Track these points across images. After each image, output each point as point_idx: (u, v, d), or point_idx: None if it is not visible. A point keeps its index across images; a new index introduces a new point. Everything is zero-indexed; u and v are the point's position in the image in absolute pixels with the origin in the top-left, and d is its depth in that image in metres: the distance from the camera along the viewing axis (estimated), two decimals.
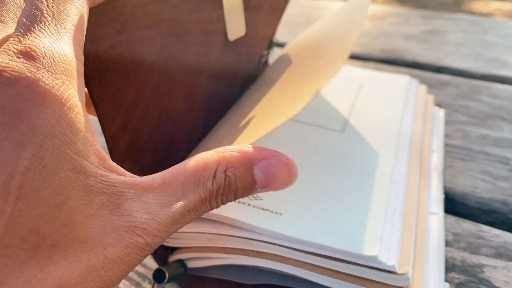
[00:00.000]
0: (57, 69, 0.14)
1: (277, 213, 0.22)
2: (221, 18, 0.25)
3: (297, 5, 0.74)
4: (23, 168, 0.13)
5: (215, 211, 0.22)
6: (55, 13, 0.15)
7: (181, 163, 0.17)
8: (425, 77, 0.47)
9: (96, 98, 0.19)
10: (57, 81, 0.14)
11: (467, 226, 0.28)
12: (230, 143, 0.22)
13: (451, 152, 0.36)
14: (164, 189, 0.16)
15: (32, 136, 0.14)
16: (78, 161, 0.15)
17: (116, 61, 0.19)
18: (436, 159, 0.32)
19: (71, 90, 0.15)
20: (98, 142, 0.16)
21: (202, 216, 0.21)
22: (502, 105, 0.42)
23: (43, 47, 0.14)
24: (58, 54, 0.15)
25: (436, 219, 0.27)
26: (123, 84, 0.20)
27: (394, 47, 0.56)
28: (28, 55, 0.14)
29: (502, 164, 0.34)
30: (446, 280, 0.24)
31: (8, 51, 0.14)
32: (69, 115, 0.14)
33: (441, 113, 0.38)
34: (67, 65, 0.15)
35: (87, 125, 0.15)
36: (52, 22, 0.15)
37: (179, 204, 0.16)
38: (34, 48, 0.14)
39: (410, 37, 0.58)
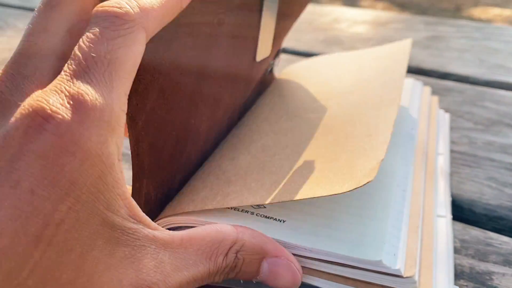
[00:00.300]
0: (103, 125, 0.15)
1: (280, 221, 0.22)
2: (221, 21, 0.25)
3: None
4: (58, 219, 0.14)
5: (219, 220, 0.22)
6: (111, 60, 0.15)
7: (201, 228, 0.18)
8: (430, 83, 0.47)
9: (131, 117, 0.19)
10: (101, 139, 0.15)
11: (475, 233, 0.28)
12: (265, 189, 0.23)
13: (457, 158, 0.36)
14: (179, 251, 0.17)
15: (71, 190, 0.14)
16: (108, 216, 0.15)
17: (152, 80, 0.19)
18: (442, 161, 0.32)
19: (112, 149, 0.15)
20: (129, 193, 0.16)
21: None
22: (506, 112, 0.42)
23: (94, 97, 0.15)
24: (107, 107, 0.15)
25: (444, 222, 0.26)
26: (156, 103, 0.20)
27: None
28: (78, 102, 0.14)
29: (508, 171, 0.34)
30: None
31: (59, 91, 0.14)
32: (107, 175, 0.15)
33: (446, 115, 0.38)
34: (112, 120, 0.15)
35: (122, 181, 0.16)
36: (106, 69, 0.15)
37: (189, 272, 0.17)
38: (85, 96, 0.15)
39: (414, 43, 0.58)
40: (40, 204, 0.14)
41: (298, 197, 0.21)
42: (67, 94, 0.14)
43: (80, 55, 0.15)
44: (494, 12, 4.39)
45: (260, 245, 0.18)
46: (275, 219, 0.22)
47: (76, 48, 0.15)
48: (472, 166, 0.35)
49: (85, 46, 0.15)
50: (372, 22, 0.67)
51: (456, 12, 4.36)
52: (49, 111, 0.14)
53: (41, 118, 0.14)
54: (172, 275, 0.16)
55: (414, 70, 0.51)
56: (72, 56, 0.15)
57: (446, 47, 0.57)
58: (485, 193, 0.32)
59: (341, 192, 0.20)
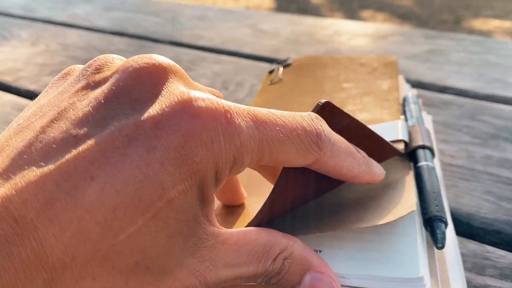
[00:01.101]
0: (240, 153, 0.17)
1: (318, 251, 0.22)
2: None
3: (302, 23, 0.75)
4: (171, 197, 0.15)
5: None
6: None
7: (256, 229, 0.18)
8: (429, 97, 0.48)
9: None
10: (229, 157, 0.17)
11: (472, 246, 0.29)
12: None
13: (455, 172, 0.36)
14: (234, 249, 0.17)
15: (190, 177, 0.16)
16: (198, 210, 0.17)
17: None
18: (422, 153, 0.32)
19: (226, 170, 0.17)
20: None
21: None
22: (505, 126, 0.42)
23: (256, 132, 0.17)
24: (258, 150, 0.17)
25: (447, 230, 0.27)
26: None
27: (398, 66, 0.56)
28: (249, 117, 0.17)
29: (505, 185, 0.34)
30: None
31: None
32: (214, 181, 0.17)
33: (429, 117, 0.38)
34: (246, 159, 0.17)
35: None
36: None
37: (238, 270, 0.17)
38: (257, 115, 0.18)
39: (414, 57, 0.59)
40: (164, 177, 0.15)
41: (357, 226, 0.21)
42: (218, 104, 0.17)
43: (269, 115, 0.18)
44: (494, 24, 4.42)
45: (307, 257, 0.19)
46: (314, 250, 0.22)
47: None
48: (470, 180, 0.35)
49: (278, 115, 0.18)
50: (372, 35, 0.68)
51: (456, 24, 4.39)
52: (210, 106, 0.16)
53: (202, 108, 0.16)
54: (223, 269, 0.17)
55: (414, 84, 0.51)
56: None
57: (446, 61, 0.58)
58: (482, 207, 0.32)
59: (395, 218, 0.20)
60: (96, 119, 0.16)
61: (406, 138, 0.28)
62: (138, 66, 0.17)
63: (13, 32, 0.74)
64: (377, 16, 4.76)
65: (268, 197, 0.20)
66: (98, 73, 0.18)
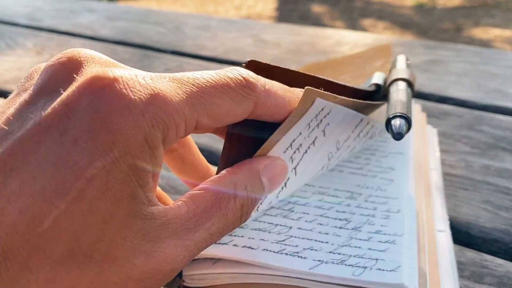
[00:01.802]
0: (163, 117, 0.16)
1: (302, 257, 0.23)
2: None
3: (303, 33, 0.76)
4: (90, 175, 0.15)
5: (243, 256, 0.22)
6: (209, 100, 0.18)
7: (201, 187, 0.18)
8: (429, 107, 0.48)
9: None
10: (154, 122, 0.16)
11: (471, 255, 0.29)
12: None
13: (454, 181, 0.37)
14: (189, 216, 0.17)
15: (110, 150, 0.15)
16: (135, 188, 0.16)
17: None
18: (435, 176, 0.33)
19: (159, 135, 0.16)
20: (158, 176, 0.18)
21: (227, 259, 0.22)
22: (503, 136, 0.43)
23: (171, 96, 0.17)
24: (179, 111, 0.17)
25: (444, 236, 0.27)
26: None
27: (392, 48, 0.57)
28: (155, 91, 0.16)
29: (504, 194, 0.35)
30: None
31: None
32: (148, 153, 0.16)
33: (434, 130, 0.39)
34: (176, 122, 0.17)
35: (159, 163, 0.17)
36: (202, 97, 0.18)
37: (203, 230, 0.17)
38: (163, 92, 0.16)
39: (414, 67, 0.60)
40: (78, 155, 0.15)
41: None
42: (149, 80, 0.16)
43: (192, 78, 0.18)
44: (494, 32, 4.44)
45: (254, 170, 0.20)
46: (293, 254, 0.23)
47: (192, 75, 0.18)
48: (468, 190, 0.36)
49: (203, 76, 0.18)
50: (373, 45, 0.69)
51: (456, 33, 4.41)
52: (120, 75, 0.16)
53: (110, 78, 0.16)
54: (187, 237, 0.17)
55: (414, 94, 0.52)
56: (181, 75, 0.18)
57: (445, 71, 0.58)
58: (481, 216, 0.33)
59: None
60: (19, 118, 0.16)
61: (379, 81, 0.31)
62: (54, 62, 0.17)
63: (19, 41, 0.75)
64: (378, 24, 4.79)
65: (220, 159, 0.21)
66: (28, 80, 0.19)
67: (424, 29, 4.57)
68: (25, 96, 0.17)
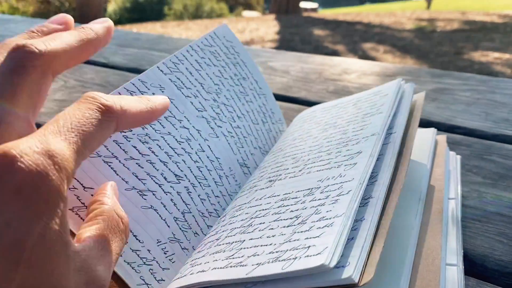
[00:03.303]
0: (64, 173, 0.18)
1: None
2: None
3: (311, 61, 0.77)
4: (33, 241, 0.17)
5: (195, 280, 0.25)
6: (85, 133, 0.20)
7: (94, 224, 0.23)
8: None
9: None
10: (63, 184, 0.18)
11: None
12: None
13: (467, 213, 0.37)
14: (99, 247, 0.21)
15: (44, 211, 0.17)
16: (64, 237, 0.18)
17: None
18: (453, 206, 0.33)
19: (66, 192, 0.19)
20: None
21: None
22: None
23: (63, 152, 0.19)
24: (70, 163, 0.19)
25: (455, 270, 0.27)
26: None
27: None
28: (49, 152, 0.18)
29: None
30: None
31: (32, 141, 0.18)
32: (65, 206, 0.19)
33: (458, 157, 0.40)
34: (70, 172, 0.19)
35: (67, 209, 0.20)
36: (80, 138, 0.20)
37: (112, 252, 0.22)
38: (55, 150, 0.18)
39: None
40: (15, 233, 0.17)
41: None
42: (39, 144, 0.18)
43: (62, 122, 0.20)
44: (494, 55, 4.49)
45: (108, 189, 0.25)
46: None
47: (59, 117, 0.20)
48: (482, 221, 0.36)
49: (69, 116, 0.20)
50: (380, 73, 0.70)
51: (456, 55, 4.47)
52: (17, 152, 0.17)
53: (12, 158, 0.17)
54: (105, 260, 0.21)
55: (423, 123, 0.53)
56: (52, 121, 0.20)
57: (453, 100, 0.59)
58: (496, 248, 0.33)
59: None
60: None
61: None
62: None
63: None
64: (379, 48, 4.85)
65: None
66: None
67: (425, 52, 4.63)
68: None
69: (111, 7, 10.73)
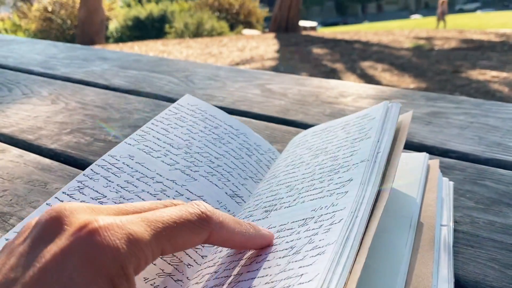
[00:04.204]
0: (136, 255, 0.21)
1: None
2: None
3: (308, 84, 0.79)
4: None
5: None
6: (175, 232, 0.23)
7: None
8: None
9: None
10: (131, 261, 0.21)
11: None
12: None
13: (459, 238, 0.38)
14: None
15: (96, 280, 0.19)
16: None
17: None
18: (445, 233, 0.34)
19: (132, 272, 0.21)
20: None
21: None
22: (506, 191, 0.44)
23: (143, 236, 0.22)
24: (148, 249, 0.22)
25: None
26: None
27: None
28: (128, 233, 0.21)
29: (510, 252, 0.36)
30: None
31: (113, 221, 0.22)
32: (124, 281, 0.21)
33: (450, 184, 0.40)
34: (143, 258, 0.22)
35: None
36: (169, 234, 0.23)
37: None
38: (136, 233, 0.21)
39: (416, 119, 0.62)
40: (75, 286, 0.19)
41: None
42: (120, 223, 0.21)
43: (157, 213, 0.23)
44: (491, 74, 4.54)
45: None
46: None
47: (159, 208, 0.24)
48: (474, 247, 0.37)
49: (166, 210, 0.23)
50: (376, 96, 0.72)
51: (454, 74, 4.51)
52: (101, 223, 0.21)
53: (94, 226, 0.21)
54: None
55: (417, 147, 0.54)
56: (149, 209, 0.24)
57: (447, 123, 0.61)
58: (488, 274, 0.34)
59: None
60: (21, 265, 0.20)
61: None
62: (46, 217, 0.22)
63: (34, 89, 0.78)
64: (377, 66, 4.90)
65: None
66: (21, 235, 0.23)
67: (422, 70, 4.67)
68: (23, 247, 0.21)
69: (113, 24, 10.85)
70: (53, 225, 0.21)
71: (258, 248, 0.27)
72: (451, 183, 0.41)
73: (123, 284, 0.20)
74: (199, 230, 0.23)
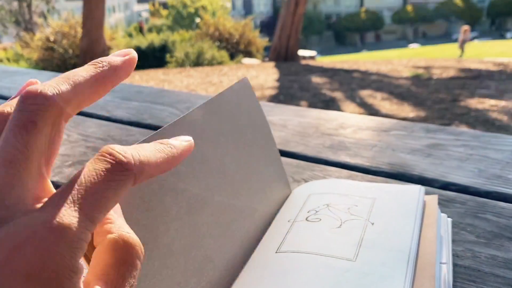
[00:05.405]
0: (76, 245, 0.19)
1: None
2: None
3: (308, 115, 0.80)
4: None
5: None
6: (100, 198, 0.20)
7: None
8: (433, 194, 0.50)
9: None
10: (72, 256, 0.19)
11: None
12: None
13: (461, 273, 0.38)
14: None
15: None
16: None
17: None
18: (445, 271, 0.34)
19: (79, 264, 0.19)
20: None
21: None
22: (507, 225, 0.44)
23: (75, 225, 0.19)
24: (82, 234, 0.19)
25: None
26: None
27: (401, 161, 0.60)
28: (59, 225, 0.19)
29: None
30: None
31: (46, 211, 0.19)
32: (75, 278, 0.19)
33: (449, 220, 0.40)
34: (83, 243, 0.19)
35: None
36: (94, 205, 0.20)
37: None
38: (66, 221, 0.19)
39: (416, 151, 0.62)
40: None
41: None
42: (51, 218, 0.18)
43: (77, 188, 0.20)
44: (490, 102, 4.57)
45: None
46: None
47: (76, 179, 0.20)
48: (476, 282, 0.36)
49: (84, 180, 0.20)
50: (375, 128, 0.72)
51: (453, 103, 4.55)
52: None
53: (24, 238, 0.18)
54: None
55: (417, 180, 0.54)
56: (68, 185, 0.20)
57: (446, 156, 0.61)
58: None
59: None
60: None
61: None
62: None
63: None
64: (376, 95, 4.95)
65: None
66: None
67: (421, 99, 4.72)
68: None
69: None
70: None
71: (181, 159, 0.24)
72: (450, 219, 0.41)
73: (72, 277, 0.18)
74: (124, 182, 0.20)
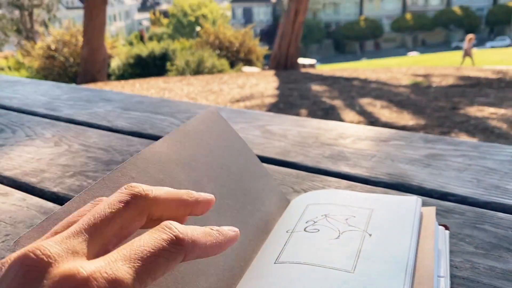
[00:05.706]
0: None
1: None
2: None
3: (307, 125, 0.80)
4: None
5: None
6: (151, 265, 0.22)
7: None
8: (431, 204, 0.50)
9: None
10: None
11: None
12: None
13: (460, 284, 0.38)
14: None
15: None
16: None
17: None
18: (443, 285, 0.34)
19: None
20: None
21: None
22: (506, 235, 0.44)
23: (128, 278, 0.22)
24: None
25: None
26: None
27: (400, 171, 0.60)
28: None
29: None
30: None
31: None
32: None
33: (446, 233, 0.41)
34: None
35: None
36: (143, 267, 0.22)
37: None
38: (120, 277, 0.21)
39: (415, 161, 0.63)
40: None
41: None
42: (109, 270, 0.21)
43: (135, 248, 0.22)
44: (489, 110, 4.58)
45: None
46: None
47: (135, 242, 0.23)
48: None
49: (142, 243, 0.22)
50: (374, 138, 0.73)
51: (452, 110, 4.56)
52: (87, 271, 0.20)
53: (82, 280, 0.20)
54: None
55: (416, 190, 0.54)
56: (126, 245, 0.23)
57: (445, 166, 0.61)
58: None
59: None
60: None
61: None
62: (16, 266, 0.21)
63: (37, 131, 0.79)
64: (376, 103, 4.96)
65: None
66: None
67: (421, 107, 4.73)
68: None
69: (115, 62, 11.05)
70: (31, 276, 0.20)
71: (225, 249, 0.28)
72: (447, 232, 0.41)
73: None
74: (175, 255, 0.23)
